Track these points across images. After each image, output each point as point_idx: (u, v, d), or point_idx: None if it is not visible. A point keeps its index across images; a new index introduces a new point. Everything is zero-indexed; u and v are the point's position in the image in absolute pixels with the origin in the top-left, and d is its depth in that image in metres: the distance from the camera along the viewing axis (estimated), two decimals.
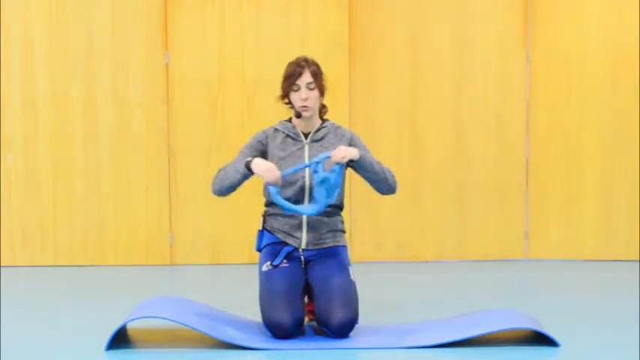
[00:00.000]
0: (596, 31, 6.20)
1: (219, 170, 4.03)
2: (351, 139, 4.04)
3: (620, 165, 6.23)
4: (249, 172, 3.87)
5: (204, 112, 6.17)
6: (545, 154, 6.27)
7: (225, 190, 4.00)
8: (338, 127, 4.09)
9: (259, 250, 4.11)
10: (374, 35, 6.21)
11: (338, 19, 6.16)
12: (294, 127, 4.06)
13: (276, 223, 4.05)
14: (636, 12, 6.13)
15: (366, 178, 3.97)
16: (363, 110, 6.22)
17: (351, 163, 3.90)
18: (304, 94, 3.96)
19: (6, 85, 6.12)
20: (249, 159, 3.88)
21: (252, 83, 6.13)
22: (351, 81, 6.20)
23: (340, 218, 4.12)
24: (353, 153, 3.85)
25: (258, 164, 3.84)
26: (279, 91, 4.05)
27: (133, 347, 3.82)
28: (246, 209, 5.88)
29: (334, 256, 4.01)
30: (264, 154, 4.03)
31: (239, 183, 3.94)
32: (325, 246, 4.02)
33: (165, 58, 6.14)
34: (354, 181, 3.94)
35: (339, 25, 6.16)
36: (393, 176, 4.03)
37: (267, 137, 4.05)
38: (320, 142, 4.03)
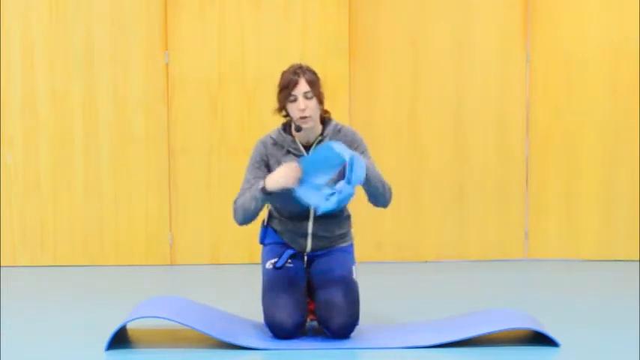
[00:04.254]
0: (596, 31, 6.19)
1: (236, 201, 3.90)
2: (352, 144, 3.87)
3: (620, 165, 6.23)
4: (267, 195, 3.75)
5: (204, 112, 6.17)
6: (544, 154, 6.27)
7: (250, 218, 3.87)
8: (339, 130, 3.93)
9: (262, 243, 4.05)
10: (374, 35, 6.21)
11: (338, 19, 6.16)
12: (293, 140, 3.90)
13: (279, 227, 4.00)
14: (636, 12, 6.13)
15: (365, 190, 3.84)
16: (363, 110, 6.21)
17: None
18: (302, 105, 3.79)
19: (6, 85, 6.11)
20: (260, 184, 3.75)
21: (252, 83, 6.13)
22: (351, 81, 6.20)
23: (347, 220, 4.03)
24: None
25: (273, 181, 3.71)
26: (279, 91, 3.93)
27: (133, 347, 3.82)
28: None
29: (338, 256, 3.96)
30: (268, 167, 3.92)
31: (262, 207, 3.84)
32: (330, 248, 3.98)
33: (165, 58, 6.14)
34: None
35: (339, 25, 6.16)
36: (390, 191, 3.88)
37: (266, 152, 3.91)
38: None
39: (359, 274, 4.01)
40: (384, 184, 3.84)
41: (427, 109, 6.26)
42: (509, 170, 6.28)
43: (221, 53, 6.15)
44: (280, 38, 6.13)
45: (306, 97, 3.81)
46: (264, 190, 3.74)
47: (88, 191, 6.17)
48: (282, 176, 3.70)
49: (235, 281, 5.74)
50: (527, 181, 6.30)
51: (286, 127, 3.95)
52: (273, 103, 3.98)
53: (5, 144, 6.14)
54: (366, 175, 3.70)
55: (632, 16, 6.14)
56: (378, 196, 3.85)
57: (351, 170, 3.61)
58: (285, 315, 3.81)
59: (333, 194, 3.65)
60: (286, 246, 3.99)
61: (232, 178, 6.11)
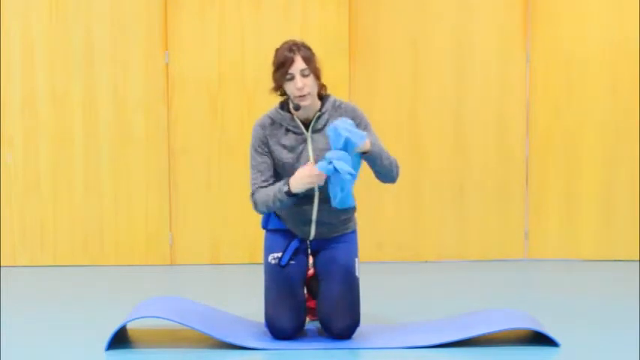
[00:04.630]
0: (596, 31, 6.19)
1: (254, 194, 3.82)
2: (354, 120, 3.80)
3: (620, 165, 6.23)
4: (294, 196, 3.71)
5: (204, 112, 6.17)
6: (544, 154, 6.27)
7: (273, 211, 3.87)
8: (339, 106, 3.87)
9: (265, 228, 4.00)
10: (374, 35, 6.21)
11: (338, 19, 6.16)
12: (292, 118, 3.83)
13: (283, 212, 3.91)
14: (636, 12, 6.13)
15: (370, 166, 3.80)
16: (363, 110, 6.20)
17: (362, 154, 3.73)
18: (300, 83, 3.72)
19: (6, 85, 6.11)
20: (285, 188, 3.70)
21: (252, 83, 6.13)
22: (351, 81, 6.20)
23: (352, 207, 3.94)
24: (365, 146, 3.68)
25: (297, 184, 3.67)
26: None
27: (133, 347, 3.82)
28: (247, 209, 5.86)
29: (341, 248, 3.90)
30: (268, 147, 3.86)
31: (292, 205, 3.79)
32: (334, 235, 3.92)
33: (166, 58, 6.14)
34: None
35: (339, 25, 6.16)
36: (397, 166, 3.83)
37: (265, 134, 3.85)
38: (322, 132, 3.82)
39: (360, 272, 3.99)
40: (390, 160, 3.80)
41: (427, 109, 6.26)
42: (509, 170, 6.28)
43: (221, 53, 6.15)
44: (280, 38, 6.03)
45: (303, 75, 3.75)
46: (289, 193, 3.70)
47: (88, 191, 6.17)
48: (305, 178, 3.66)
49: (235, 281, 5.74)
50: (527, 181, 6.29)
51: (284, 106, 3.88)
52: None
53: (5, 144, 6.14)
54: (370, 149, 3.69)
55: (632, 16, 6.14)
56: (385, 172, 3.80)
57: (337, 137, 3.60)
58: (285, 319, 3.81)
59: (330, 162, 3.61)
60: (289, 233, 3.91)
61: (232, 178, 6.12)
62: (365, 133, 3.71)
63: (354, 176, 3.67)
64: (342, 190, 3.67)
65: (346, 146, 3.63)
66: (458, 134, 6.27)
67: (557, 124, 6.25)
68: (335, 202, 3.71)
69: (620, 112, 6.21)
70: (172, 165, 6.19)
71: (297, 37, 6.04)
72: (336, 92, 5.91)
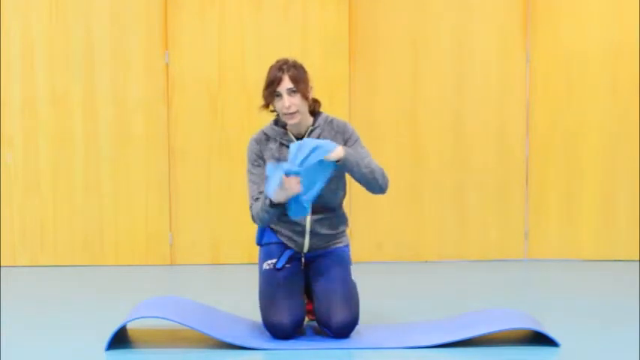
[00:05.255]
0: (596, 31, 6.20)
1: (251, 207, 3.91)
2: (344, 134, 3.91)
3: (620, 165, 6.23)
4: (278, 207, 3.76)
5: (204, 112, 6.17)
6: (544, 154, 6.27)
7: (269, 224, 3.93)
8: (331, 121, 3.94)
9: (259, 244, 4.05)
10: (374, 35, 6.21)
11: (338, 19, 6.16)
12: (285, 132, 3.91)
13: (277, 225, 3.98)
14: (636, 12, 6.13)
15: (352, 176, 3.85)
16: (363, 110, 6.21)
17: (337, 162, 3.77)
18: (287, 102, 3.80)
19: (6, 85, 6.12)
20: (267, 201, 3.76)
21: (252, 83, 6.12)
22: (351, 81, 6.20)
23: (343, 218, 4.02)
24: (337, 154, 3.74)
25: (278, 195, 3.70)
26: None
27: (133, 347, 3.82)
28: (246, 209, 5.87)
29: (335, 256, 3.96)
30: (264, 161, 3.93)
31: (277, 214, 3.83)
32: (327, 248, 3.98)
33: (166, 58, 6.14)
34: (353, 181, 3.92)
35: (339, 25, 6.16)
36: (383, 176, 3.85)
37: (260, 148, 3.93)
38: None
39: (357, 274, 4.01)
40: (371, 169, 3.82)
41: (427, 109, 6.26)
42: (509, 170, 6.29)
43: (221, 53, 6.15)
44: (280, 38, 6.13)
45: (290, 94, 3.82)
46: (271, 204, 3.76)
47: (88, 191, 6.17)
48: (286, 194, 3.70)
49: (235, 281, 5.74)
50: (527, 181, 6.30)
51: (278, 121, 3.96)
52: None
53: (5, 144, 6.15)
54: (344, 157, 3.73)
55: (632, 16, 6.14)
56: (366, 181, 3.84)
57: (295, 154, 3.66)
58: (283, 316, 3.81)
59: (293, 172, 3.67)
60: (283, 246, 3.97)
61: (232, 178, 6.12)
62: (333, 143, 3.76)
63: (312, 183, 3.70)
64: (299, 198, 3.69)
65: (306, 160, 3.68)
66: (458, 134, 6.27)
67: (557, 124, 6.26)
68: (291, 212, 3.73)
69: (620, 112, 6.21)
70: (172, 165, 6.19)
71: (298, 39, 6.09)
72: (336, 92, 5.98)
